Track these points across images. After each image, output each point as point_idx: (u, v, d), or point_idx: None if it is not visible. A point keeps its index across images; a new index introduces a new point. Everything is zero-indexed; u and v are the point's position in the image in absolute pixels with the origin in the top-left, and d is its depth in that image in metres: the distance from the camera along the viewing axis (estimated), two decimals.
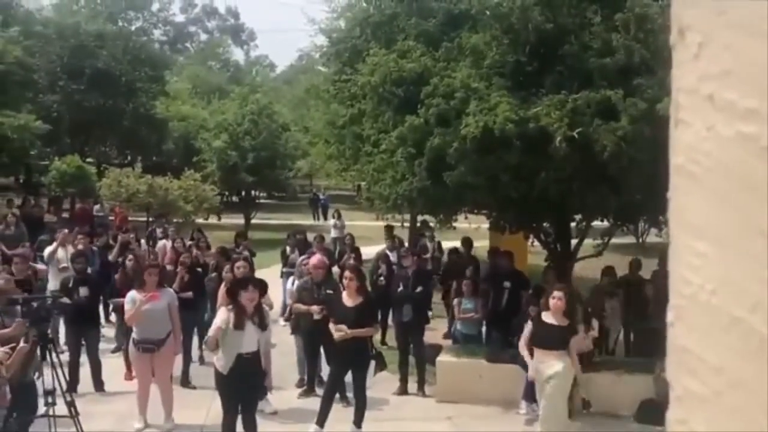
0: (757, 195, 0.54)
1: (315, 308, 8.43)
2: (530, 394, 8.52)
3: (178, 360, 9.37)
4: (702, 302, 0.59)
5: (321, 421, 7.60)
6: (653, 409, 8.52)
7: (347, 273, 8.02)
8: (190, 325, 9.75)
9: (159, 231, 16.83)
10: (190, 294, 9.63)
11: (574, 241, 11.70)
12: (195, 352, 9.95)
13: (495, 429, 8.19)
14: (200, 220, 22.73)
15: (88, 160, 31.11)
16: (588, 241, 12.18)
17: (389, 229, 14.02)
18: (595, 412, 8.60)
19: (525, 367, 8.64)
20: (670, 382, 0.61)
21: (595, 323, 9.04)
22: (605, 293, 10.60)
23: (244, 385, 6.77)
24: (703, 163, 0.59)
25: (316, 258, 9.20)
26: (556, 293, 7.36)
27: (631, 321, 11.05)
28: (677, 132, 0.61)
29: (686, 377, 0.60)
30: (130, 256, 10.84)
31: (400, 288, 9.62)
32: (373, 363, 7.92)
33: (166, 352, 7.84)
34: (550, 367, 7.12)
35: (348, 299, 7.74)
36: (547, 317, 7.39)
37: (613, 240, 13.06)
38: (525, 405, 8.50)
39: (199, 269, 10.75)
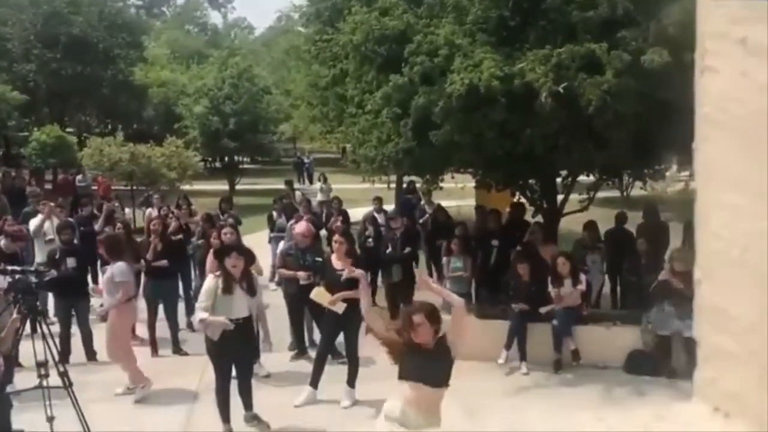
0: None
1: (302, 274, 8.43)
2: (510, 344, 8.65)
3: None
4: (734, 258, 0.56)
5: (314, 382, 7.66)
6: (641, 360, 8.68)
7: (336, 237, 8.01)
8: (171, 293, 9.72)
9: (155, 198, 16.62)
10: (164, 262, 9.56)
11: (560, 197, 11.73)
12: (183, 320, 9.96)
13: (486, 383, 8.30)
14: (185, 187, 22.54)
15: (68, 129, 30.67)
16: (574, 196, 12.22)
17: (379, 200, 14.00)
18: (585, 364, 8.72)
19: (514, 322, 8.74)
20: (698, 342, 0.59)
21: (582, 277, 9.10)
22: (586, 247, 10.67)
23: (235, 351, 6.78)
24: (734, 112, 0.56)
25: (302, 225, 9.16)
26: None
27: (618, 274, 11.16)
28: (703, 80, 0.58)
29: (716, 336, 0.58)
30: (119, 226, 10.76)
31: (389, 249, 9.62)
32: (363, 324, 7.94)
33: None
34: None
35: (337, 262, 7.74)
36: None
37: (599, 194, 13.12)
38: (504, 354, 8.63)
39: (180, 236, 10.68)
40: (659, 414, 0.63)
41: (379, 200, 13.82)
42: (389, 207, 15.59)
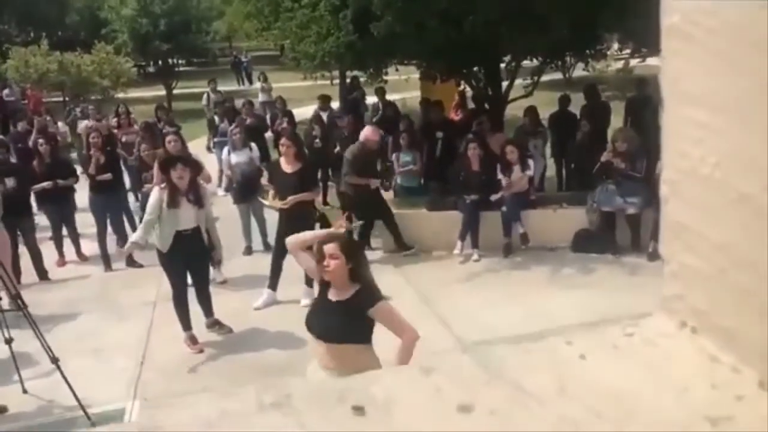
0: None
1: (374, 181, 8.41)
2: (464, 234, 8.83)
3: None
4: (703, 176, 0.55)
5: (273, 285, 7.73)
6: (587, 239, 8.97)
7: (284, 140, 7.87)
8: (117, 206, 9.55)
9: (78, 111, 16.04)
10: (108, 176, 9.34)
11: (505, 84, 11.70)
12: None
13: (440, 271, 8.53)
14: (120, 95, 21.72)
15: None
16: (518, 82, 12.20)
17: (325, 98, 13.63)
18: (534, 247, 8.98)
19: (466, 212, 8.89)
20: (665, 258, 0.59)
21: (530, 163, 9.22)
22: (528, 133, 10.78)
23: (187, 261, 6.76)
24: (705, 24, 0.53)
25: (371, 130, 8.81)
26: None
27: (564, 157, 11.36)
28: None
29: (684, 254, 0.57)
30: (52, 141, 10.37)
31: (337, 148, 9.54)
32: (317, 225, 7.97)
33: None
34: None
35: (287, 165, 7.65)
36: None
37: (542, 78, 13.13)
38: (459, 245, 8.82)
39: (119, 150, 10.40)
40: (627, 331, 0.63)
41: (324, 98, 13.51)
42: (334, 105, 15.35)
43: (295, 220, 7.54)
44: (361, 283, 3.86)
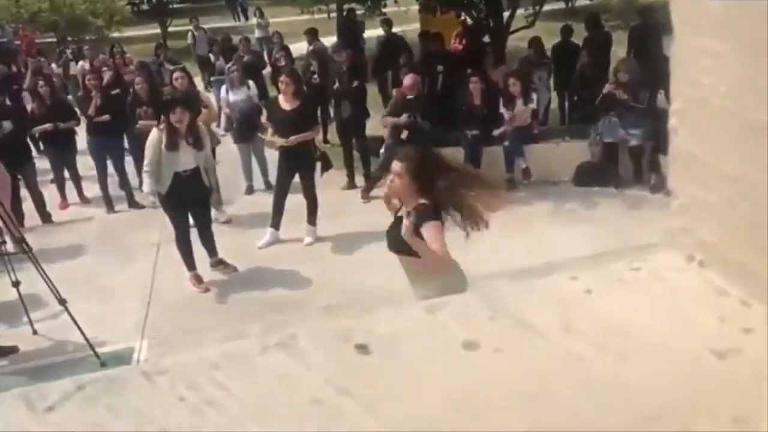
0: None
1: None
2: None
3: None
4: (713, 106, 0.53)
5: (275, 223, 7.76)
6: (590, 171, 8.94)
7: (282, 77, 7.75)
8: (117, 147, 9.48)
9: (69, 52, 15.79)
10: (106, 117, 9.21)
11: (506, 15, 11.46)
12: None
13: None
14: (115, 35, 21.35)
15: None
16: (519, 12, 11.95)
17: (312, 32, 13.29)
18: (537, 181, 8.95)
19: (468, 147, 8.82)
20: (673, 191, 0.58)
21: (533, 96, 9.11)
22: (533, 64, 10.61)
23: (188, 202, 6.76)
24: None
25: (412, 78, 8.69)
26: None
27: (566, 89, 11.21)
28: None
29: (693, 186, 0.56)
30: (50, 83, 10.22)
31: (336, 84, 9.41)
32: (318, 164, 7.95)
33: None
34: None
35: (285, 103, 7.56)
36: None
37: (544, 8, 12.85)
38: None
39: (118, 90, 10.22)
40: (633, 265, 0.63)
41: (310, 32, 13.17)
42: (329, 38, 15.09)
43: (295, 158, 7.53)
44: (428, 199, 3.92)
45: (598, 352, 0.52)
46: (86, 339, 5.52)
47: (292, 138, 7.35)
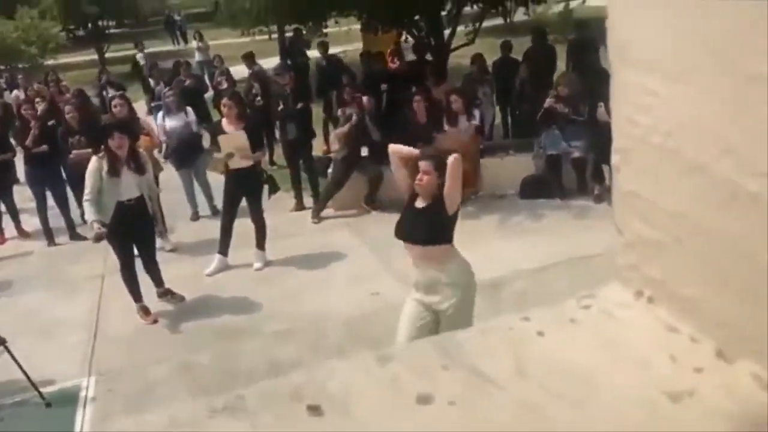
0: (732, 27, 0.46)
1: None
2: None
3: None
4: (655, 145, 0.53)
5: (223, 249, 7.65)
6: (535, 184, 9.09)
7: (225, 101, 7.66)
8: (56, 178, 9.21)
9: (2, 81, 15.38)
10: (44, 148, 8.96)
11: (446, 33, 11.61)
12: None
13: (391, 227, 8.50)
14: (50, 62, 20.88)
15: None
16: (460, 29, 12.13)
17: (249, 56, 13.23)
18: (483, 195, 9.05)
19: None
20: (620, 228, 0.58)
21: (476, 112, 9.23)
22: (476, 81, 10.76)
23: (132, 231, 6.60)
24: None
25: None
26: None
27: (508, 104, 11.40)
28: None
29: (638, 223, 0.56)
30: None
31: (281, 106, 9.37)
32: (265, 187, 7.88)
33: None
34: None
35: (229, 126, 7.48)
36: None
37: (483, 24, 13.08)
38: None
39: (53, 121, 9.95)
40: (583, 303, 0.62)
41: (248, 56, 13.12)
42: (272, 60, 15.05)
43: (241, 182, 7.45)
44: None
45: (554, 400, 0.51)
46: (29, 379, 5.32)
47: (237, 158, 7.27)
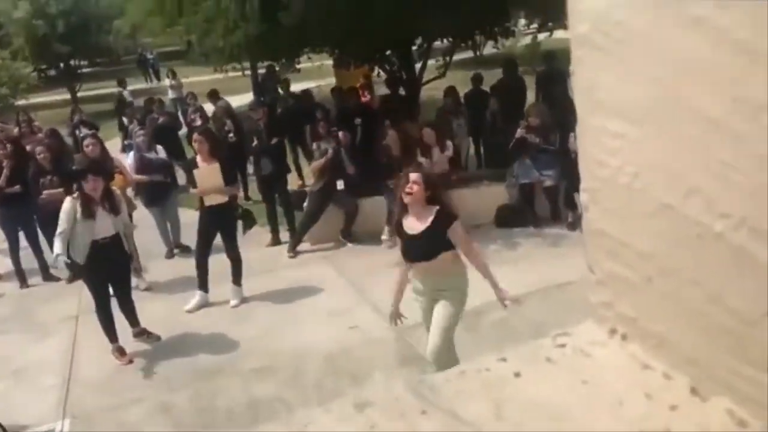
0: (690, 71, 0.48)
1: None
2: (390, 219, 8.85)
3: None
4: (622, 185, 0.54)
5: (203, 285, 7.57)
6: (509, 213, 9.16)
7: (195, 137, 7.65)
8: (29, 218, 9.08)
9: None
10: (17, 188, 8.84)
11: (418, 66, 11.75)
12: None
13: (371, 257, 8.50)
14: (21, 102, 20.73)
15: None
16: (431, 63, 12.29)
17: (213, 93, 13.31)
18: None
19: (390, 197, 8.89)
20: (591, 266, 0.59)
21: (449, 143, 9.31)
22: (450, 113, 10.88)
23: (107, 271, 6.51)
24: (614, 34, 0.52)
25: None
26: None
27: (480, 135, 11.51)
28: None
29: (609, 262, 0.57)
30: None
31: (255, 142, 9.37)
32: (240, 222, 7.84)
33: None
34: None
35: (203, 163, 7.46)
36: None
37: (454, 57, 13.27)
38: (387, 230, 8.83)
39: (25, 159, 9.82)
40: (558, 342, 0.63)
41: (212, 93, 13.19)
42: (245, 96, 15.09)
43: (216, 217, 7.40)
44: (438, 204, 4.81)
45: None
46: (0, 425, 5.19)
47: (212, 195, 7.24)
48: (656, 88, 0.51)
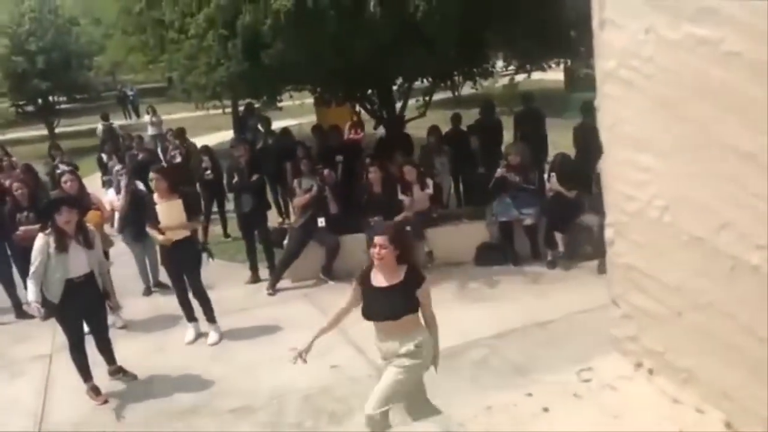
0: (724, 106, 0.49)
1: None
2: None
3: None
4: (651, 219, 0.55)
5: (190, 316, 7.48)
6: (489, 251, 9.19)
7: (152, 175, 7.50)
8: (2, 257, 8.92)
9: None
10: None
11: (398, 105, 11.87)
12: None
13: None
14: None
15: None
16: (411, 102, 12.42)
17: (180, 132, 13.33)
18: (439, 263, 9.08)
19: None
20: (614, 300, 0.59)
21: (429, 181, 9.36)
22: (433, 151, 10.97)
23: (82, 309, 6.37)
24: (642, 70, 0.53)
25: None
26: None
27: (460, 173, 11.61)
28: (604, 34, 0.54)
29: (636, 295, 0.57)
30: None
31: (235, 179, 9.35)
32: (204, 255, 7.76)
33: None
34: None
35: (161, 200, 7.32)
36: None
37: (434, 97, 13.43)
38: None
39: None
40: (583, 376, 0.63)
41: (179, 132, 13.18)
42: (226, 134, 15.10)
43: (177, 255, 7.26)
44: (408, 263, 4.63)
45: None
46: None
47: (168, 233, 7.16)
48: (687, 122, 0.52)
